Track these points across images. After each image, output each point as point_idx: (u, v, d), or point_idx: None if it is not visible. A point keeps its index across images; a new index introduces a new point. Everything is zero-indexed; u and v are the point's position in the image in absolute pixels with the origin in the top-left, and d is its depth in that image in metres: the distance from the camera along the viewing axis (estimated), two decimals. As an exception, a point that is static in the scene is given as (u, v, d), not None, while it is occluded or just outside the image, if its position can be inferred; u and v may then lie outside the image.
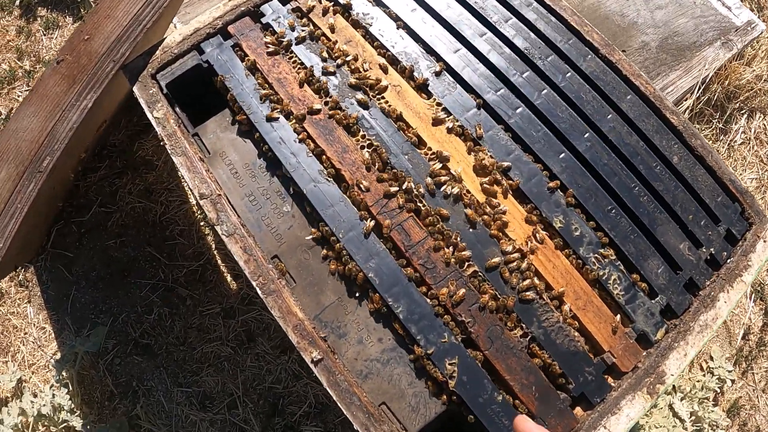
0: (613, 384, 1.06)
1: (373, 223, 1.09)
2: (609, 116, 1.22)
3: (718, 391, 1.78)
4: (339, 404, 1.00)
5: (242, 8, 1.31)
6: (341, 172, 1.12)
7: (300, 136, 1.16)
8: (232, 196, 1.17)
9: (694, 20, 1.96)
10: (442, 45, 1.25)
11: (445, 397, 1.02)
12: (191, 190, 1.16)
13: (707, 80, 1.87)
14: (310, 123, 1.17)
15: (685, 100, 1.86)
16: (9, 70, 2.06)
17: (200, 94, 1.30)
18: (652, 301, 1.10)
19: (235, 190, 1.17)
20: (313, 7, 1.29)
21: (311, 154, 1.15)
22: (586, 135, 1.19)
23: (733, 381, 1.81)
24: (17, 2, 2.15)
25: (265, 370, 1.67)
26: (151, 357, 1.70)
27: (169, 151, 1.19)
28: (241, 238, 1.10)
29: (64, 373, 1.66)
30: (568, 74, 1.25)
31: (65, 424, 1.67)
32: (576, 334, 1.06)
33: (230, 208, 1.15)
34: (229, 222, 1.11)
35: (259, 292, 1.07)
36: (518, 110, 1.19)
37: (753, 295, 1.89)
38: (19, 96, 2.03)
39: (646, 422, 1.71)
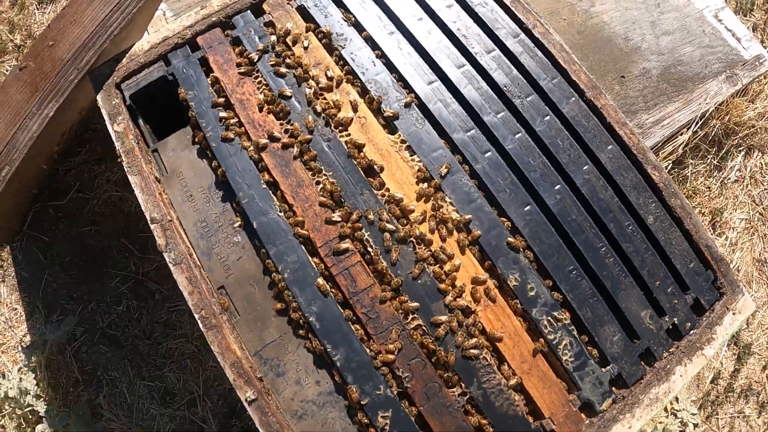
0: (551, 449, 1.00)
1: (320, 264, 1.02)
2: (585, 167, 1.11)
3: (679, 433, 1.71)
4: (267, 449, 0.95)
5: (213, 18, 1.20)
6: (293, 208, 1.04)
7: (257, 164, 1.08)
8: (185, 220, 1.10)
9: (701, 50, 1.80)
10: (416, 75, 1.13)
11: (377, 448, 0.96)
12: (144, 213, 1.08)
13: (707, 115, 1.73)
14: (269, 153, 1.08)
15: (681, 134, 1.72)
16: (0, 42, 1.98)
17: (171, 104, 1.21)
18: (603, 370, 1.02)
19: (189, 214, 1.10)
20: (287, 27, 1.17)
21: (265, 186, 1.06)
22: (557, 187, 1.09)
23: (696, 425, 1.73)
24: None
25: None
26: (117, 348, 1.68)
27: (126, 169, 1.11)
28: (187, 268, 1.04)
29: (33, 358, 1.65)
30: (547, 117, 1.14)
31: (30, 408, 1.66)
32: (517, 397, 0.99)
33: (182, 232, 1.08)
34: (177, 250, 1.05)
35: (200, 325, 1.01)
36: (487, 154, 1.09)
37: (728, 339, 1.79)
38: (7, 70, 1.96)
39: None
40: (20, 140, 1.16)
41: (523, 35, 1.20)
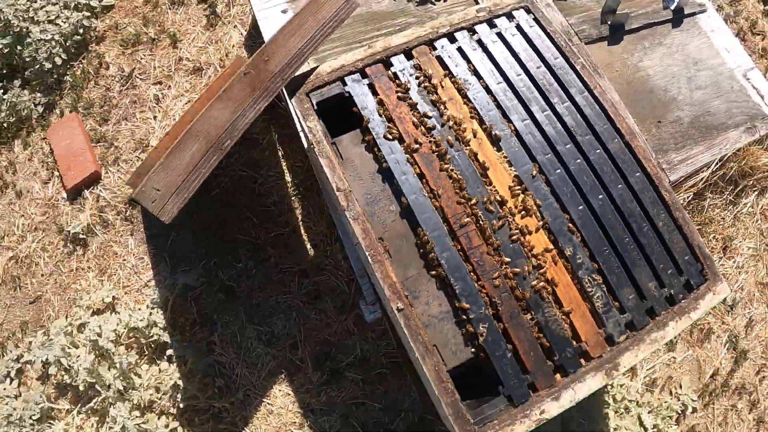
0: (583, 364, 2.18)
1: (448, 228, 2.20)
2: (619, 186, 2.33)
3: (680, 413, 2.91)
4: (410, 339, 2.12)
5: (378, 56, 2.41)
6: (435, 192, 2.23)
7: (409, 161, 2.27)
8: (356, 192, 2.27)
9: (728, 104, 3.07)
10: (515, 114, 2.35)
11: (474, 349, 2.13)
12: (331, 184, 2.25)
13: (725, 159, 2.98)
14: (418, 154, 2.27)
15: (702, 171, 2.97)
16: (134, 33, 3.15)
17: (331, 115, 2.39)
18: (621, 316, 2.22)
19: (358, 189, 2.28)
20: (429, 71, 2.38)
21: (415, 175, 2.25)
22: (600, 196, 2.30)
23: (695, 409, 2.93)
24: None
25: (325, 323, 2.79)
26: (233, 298, 2.82)
27: (317, 154, 2.29)
28: (362, 222, 2.21)
29: (161, 297, 2.78)
30: (598, 150, 2.36)
31: (156, 338, 2.79)
32: (566, 325, 2.17)
33: (355, 200, 2.26)
34: (354, 210, 2.22)
35: (369, 259, 2.18)
36: (557, 171, 2.30)
37: (728, 343, 3.01)
38: (141, 58, 3.13)
39: (617, 425, 2.85)
40: (239, 124, 2.32)
41: (587, 93, 2.44)
